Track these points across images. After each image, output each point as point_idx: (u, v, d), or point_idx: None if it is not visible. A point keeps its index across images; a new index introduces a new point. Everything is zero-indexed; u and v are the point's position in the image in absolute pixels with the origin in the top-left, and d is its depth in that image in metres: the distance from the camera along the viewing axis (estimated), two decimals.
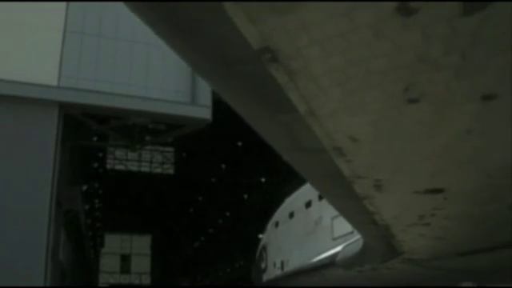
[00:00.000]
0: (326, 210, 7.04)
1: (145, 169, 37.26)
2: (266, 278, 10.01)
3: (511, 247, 3.80)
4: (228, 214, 34.04)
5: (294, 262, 8.37)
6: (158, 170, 36.81)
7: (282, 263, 9.00)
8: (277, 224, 9.60)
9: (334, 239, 6.94)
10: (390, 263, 5.06)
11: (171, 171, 36.50)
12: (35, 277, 13.96)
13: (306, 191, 7.79)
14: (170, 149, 34.03)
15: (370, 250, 4.82)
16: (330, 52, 1.48)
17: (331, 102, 1.79)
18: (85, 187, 26.74)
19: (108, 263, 48.98)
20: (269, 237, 10.12)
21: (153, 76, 14.75)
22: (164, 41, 1.55)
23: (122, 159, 36.63)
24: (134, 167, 37.23)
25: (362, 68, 1.56)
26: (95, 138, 21.18)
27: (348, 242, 6.07)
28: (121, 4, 1.37)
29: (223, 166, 31.53)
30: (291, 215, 8.69)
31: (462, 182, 2.54)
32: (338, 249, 6.30)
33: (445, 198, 2.73)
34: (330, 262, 6.37)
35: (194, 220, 40.06)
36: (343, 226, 5.96)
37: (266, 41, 1.44)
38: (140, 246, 50.23)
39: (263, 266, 10.26)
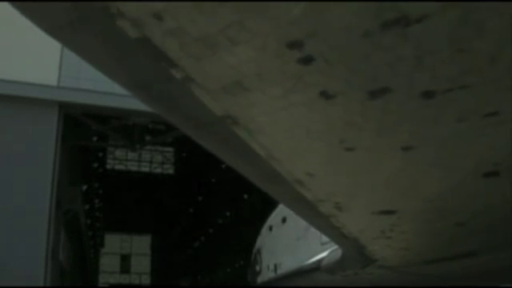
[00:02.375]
0: None
1: (145, 169, 37.73)
2: (260, 280, 10.51)
3: (471, 256, 4.29)
4: (228, 213, 34.52)
5: (286, 266, 8.86)
6: (158, 170, 37.28)
7: (275, 266, 9.50)
8: (270, 228, 10.10)
9: (322, 244, 7.42)
10: (368, 269, 5.55)
11: (171, 171, 36.97)
12: (35, 277, 14.39)
13: None
14: (170, 149, 34.48)
15: (349, 258, 5.31)
16: (277, 120, 1.97)
17: (286, 150, 2.29)
18: (85, 187, 27.23)
19: (108, 263, 49.56)
20: (263, 240, 10.62)
21: None
22: (150, 107, 2.05)
23: (121, 159, 37.10)
24: (133, 167, 37.69)
25: (303, 129, 2.05)
26: (95, 138, 21.61)
27: (333, 248, 6.55)
28: None
29: (223, 165, 31.98)
30: (284, 220, 9.18)
31: (409, 206, 3.03)
32: (324, 254, 6.79)
33: (398, 217, 3.22)
34: (316, 267, 6.87)
35: (194, 220, 40.52)
36: None
37: (227, 111, 1.94)
38: (140, 246, 50.77)
39: (258, 268, 10.77)
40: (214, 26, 1.43)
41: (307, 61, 1.56)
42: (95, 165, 31.27)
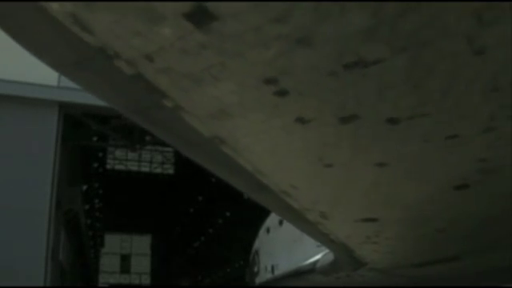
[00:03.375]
0: None
1: (145, 169, 37.95)
2: (258, 280, 10.74)
3: (455, 260, 4.52)
4: (228, 214, 34.76)
5: (283, 267, 9.09)
6: (158, 170, 37.50)
7: (273, 267, 9.73)
8: (268, 230, 10.33)
9: (318, 246, 7.65)
10: (360, 271, 5.77)
11: (171, 171, 37.19)
12: (35, 277, 14.56)
13: None
14: (170, 149, 34.69)
15: (341, 261, 5.54)
16: (260, 140, 2.19)
17: (270, 165, 2.51)
18: (85, 187, 27.44)
19: (108, 263, 49.87)
20: (261, 242, 10.85)
21: None
22: (147, 127, 2.28)
23: (122, 159, 37.34)
24: (134, 167, 37.90)
25: (284, 148, 2.27)
26: (95, 138, 21.78)
27: (327, 251, 6.78)
28: None
29: None
30: (281, 222, 9.40)
31: (389, 214, 3.25)
32: (319, 256, 7.01)
33: (380, 224, 3.44)
34: (312, 269, 7.10)
35: (194, 220, 40.75)
36: None
37: (214, 133, 2.16)
38: (140, 246, 51.07)
39: (256, 269, 11.01)
40: (199, 66, 1.65)
41: (282, 93, 1.78)
42: (95, 165, 31.44)
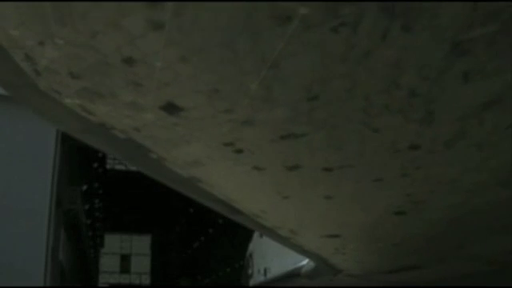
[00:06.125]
0: None
1: None
2: (252, 282, 11.38)
3: (418, 268, 5.13)
4: None
5: (275, 270, 9.73)
6: None
7: (265, 270, 10.37)
8: (261, 234, 10.96)
9: None
10: (339, 277, 6.39)
11: None
12: (35, 276, 15.05)
13: None
14: None
15: (320, 267, 6.16)
16: (229, 180, 2.82)
17: (240, 196, 3.13)
18: (85, 187, 28.08)
19: (108, 263, 50.64)
20: (255, 245, 11.48)
21: None
22: (138, 169, 2.90)
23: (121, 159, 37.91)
24: (134, 167, 38.41)
25: (248, 185, 2.89)
26: None
27: None
28: None
29: None
30: None
31: (348, 232, 3.87)
32: (305, 262, 7.63)
33: (343, 240, 4.06)
34: (298, 273, 7.73)
35: (194, 220, 41.42)
36: None
37: (192, 175, 2.79)
38: (140, 246, 51.78)
39: (250, 271, 11.65)
40: (174, 135, 2.27)
41: (239, 151, 2.39)
42: (95, 165, 32.05)
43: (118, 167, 38.09)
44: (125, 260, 52.14)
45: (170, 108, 2.01)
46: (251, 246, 11.90)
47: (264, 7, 1.41)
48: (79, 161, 24.51)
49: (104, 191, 35.73)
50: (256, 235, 11.49)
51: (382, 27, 1.46)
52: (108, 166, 36.88)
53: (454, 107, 1.91)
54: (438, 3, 1.39)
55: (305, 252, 4.90)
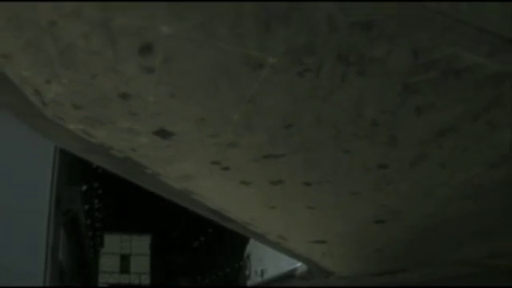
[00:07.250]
0: None
1: None
2: (249, 283, 11.67)
3: (404, 271, 5.40)
4: None
5: (271, 271, 10.00)
6: None
7: (262, 271, 10.65)
8: None
9: None
10: (332, 278, 6.66)
11: None
12: (35, 276, 15.20)
13: None
14: None
15: (312, 270, 6.43)
16: (218, 192, 3.09)
17: (231, 206, 3.41)
18: (85, 187, 28.30)
19: (107, 263, 50.94)
20: (252, 248, 11.76)
21: None
22: (135, 182, 3.17)
23: None
24: None
25: (237, 197, 3.16)
26: None
27: None
28: None
29: None
30: None
31: (333, 238, 4.13)
32: (299, 264, 7.91)
33: (330, 245, 4.32)
34: (292, 275, 8.00)
35: (194, 220, 41.66)
36: None
37: (185, 188, 3.06)
38: (140, 246, 52.05)
39: (247, 272, 11.94)
40: (167, 154, 2.54)
41: (226, 169, 2.66)
42: (95, 165, 32.21)
43: None
44: (124, 260, 52.45)
45: (163, 133, 2.28)
46: (249, 248, 12.19)
47: (240, 57, 1.68)
48: (79, 161, 24.71)
49: (104, 191, 35.95)
50: (253, 238, 11.78)
51: (341, 72, 1.72)
52: None
53: (413, 134, 2.18)
54: (386, 53, 1.66)
55: (296, 256, 5.17)
